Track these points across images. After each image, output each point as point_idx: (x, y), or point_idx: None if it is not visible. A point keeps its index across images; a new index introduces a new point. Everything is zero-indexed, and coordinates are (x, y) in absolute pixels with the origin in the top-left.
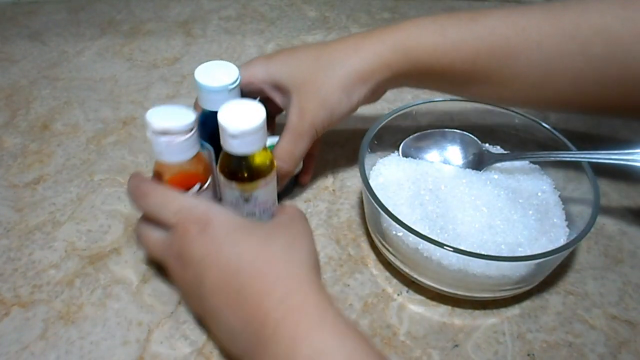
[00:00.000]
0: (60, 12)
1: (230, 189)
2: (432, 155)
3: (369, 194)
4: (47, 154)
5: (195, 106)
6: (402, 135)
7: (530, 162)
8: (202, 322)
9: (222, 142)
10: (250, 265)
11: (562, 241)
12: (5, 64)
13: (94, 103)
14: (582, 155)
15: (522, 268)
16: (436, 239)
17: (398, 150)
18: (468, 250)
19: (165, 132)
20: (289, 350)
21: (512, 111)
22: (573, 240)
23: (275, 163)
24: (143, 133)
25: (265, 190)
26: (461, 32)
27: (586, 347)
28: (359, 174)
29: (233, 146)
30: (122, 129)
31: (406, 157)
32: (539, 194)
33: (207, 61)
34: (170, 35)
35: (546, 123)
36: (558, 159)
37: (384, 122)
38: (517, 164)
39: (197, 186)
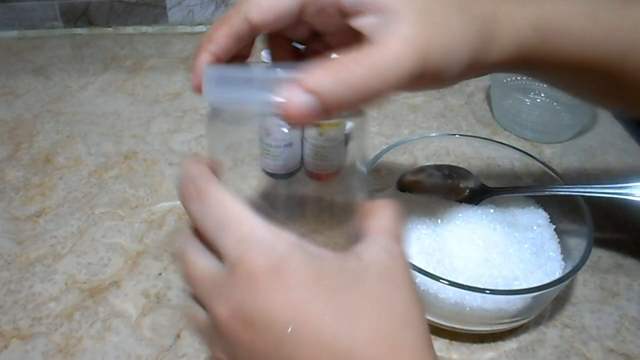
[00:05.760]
0: (65, 48)
1: None
2: (429, 189)
3: None
4: (49, 187)
5: None
6: (399, 169)
7: (526, 196)
8: None
9: None
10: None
11: (557, 274)
12: (9, 98)
13: (96, 137)
14: (577, 190)
15: (518, 301)
16: (433, 272)
17: (395, 184)
18: (464, 283)
19: None
20: None
21: (508, 145)
22: (568, 273)
23: None
24: (144, 167)
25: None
26: (615, 18)
27: None
28: None
29: None
30: (124, 163)
31: (403, 191)
32: (535, 227)
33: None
34: (172, 71)
35: (541, 157)
36: (553, 193)
37: (381, 157)
38: (512, 198)
39: None
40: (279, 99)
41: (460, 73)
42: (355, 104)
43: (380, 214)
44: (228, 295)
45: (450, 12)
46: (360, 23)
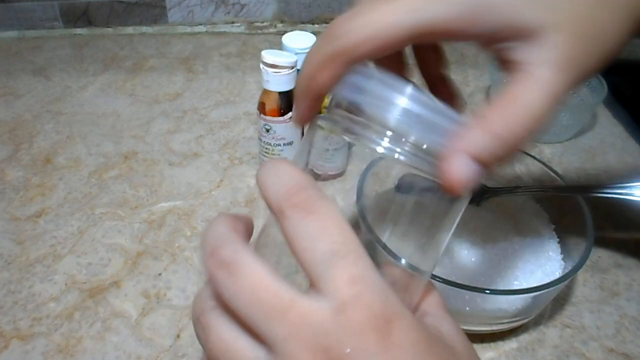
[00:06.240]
0: (65, 48)
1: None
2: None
3: (366, 229)
4: (49, 188)
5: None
6: (399, 170)
7: (526, 196)
8: None
9: None
10: None
11: (557, 274)
12: (9, 98)
13: (96, 137)
14: (577, 190)
15: (518, 301)
16: (433, 272)
17: (396, 185)
18: (464, 283)
19: (273, 66)
20: None
21: None
22: (568, 273)
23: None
24: (144, 167)
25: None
26: None
27: None
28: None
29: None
30: (124, 163)
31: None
32: (535, 227)
33: (209, 95)
34: (172, 72)
35: (541, 157)
36: (553, 193)
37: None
38: (512, 198)
39: (289, 115)
40: (442, 169)
41: (611, 62)
42: (514, 152)
43: (430, 289)
44: None
45: (600, 13)
46: (505, 49)
